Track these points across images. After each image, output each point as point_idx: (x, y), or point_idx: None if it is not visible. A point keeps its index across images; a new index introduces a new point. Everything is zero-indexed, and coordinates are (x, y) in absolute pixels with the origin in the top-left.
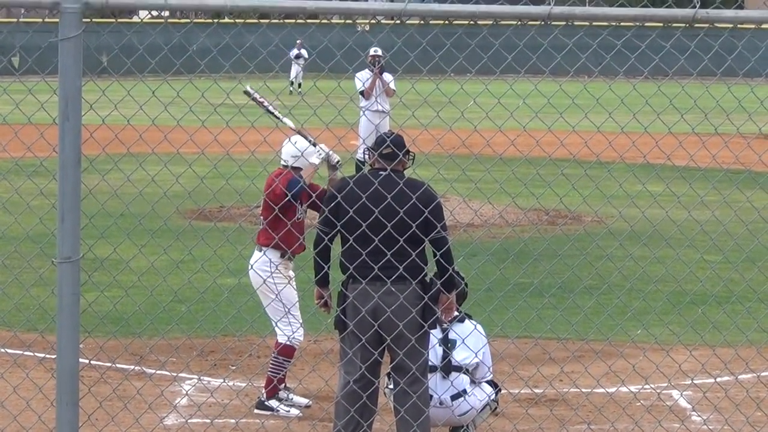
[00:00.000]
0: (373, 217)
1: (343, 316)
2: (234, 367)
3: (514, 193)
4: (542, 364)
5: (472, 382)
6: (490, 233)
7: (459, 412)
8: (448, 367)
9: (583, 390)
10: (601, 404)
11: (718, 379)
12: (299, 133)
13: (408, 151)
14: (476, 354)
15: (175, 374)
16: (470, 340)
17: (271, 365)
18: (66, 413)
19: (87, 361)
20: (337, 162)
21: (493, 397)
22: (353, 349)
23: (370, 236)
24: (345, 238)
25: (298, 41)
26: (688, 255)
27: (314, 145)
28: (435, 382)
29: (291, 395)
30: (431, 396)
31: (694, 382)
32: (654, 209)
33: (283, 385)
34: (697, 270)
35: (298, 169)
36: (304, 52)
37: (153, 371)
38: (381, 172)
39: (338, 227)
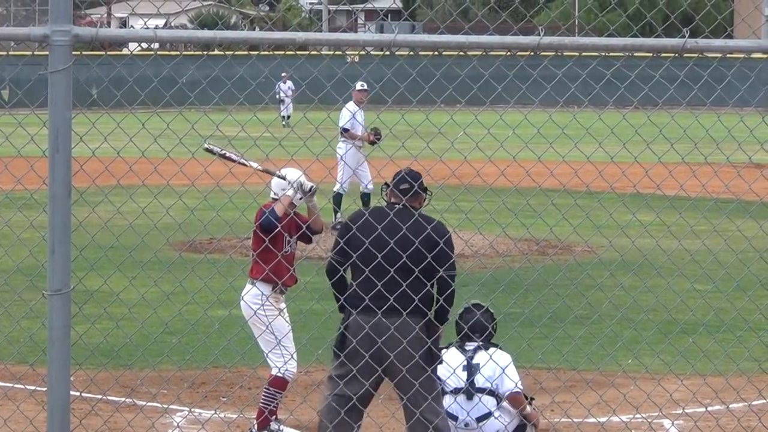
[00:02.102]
0: (388, 249)
1: (341, 346)
2: (225, 399)
3: (504, 223)
4: (533, 393)
5: (499, 402)
6: (481, 263)
7: None
8: (471, 389)
9: (575, 420)
10: None
11: (710, 408)
12: (266, 171)
13: (426, 189)
14: (503, 370)
15: (166, 406)
16: (495, 358)
17: (262, 397)
18: None
19: (78, 394)
20: (311, 188)
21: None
22: (348, 376)
23: (379, 268)
24: (353, 269)
25: (283, 74)
26: (679, 284)
27: (283, 178)
28: (459, 404)
29: (282, 426)
30: (456, 417)
31: (686, 411)
32: (644, 239)
33: (274, 416)
34: (688, 299)
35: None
36: (290, 83)
37: (144, 403)
38: (395, 205)
39: (354, 257)
